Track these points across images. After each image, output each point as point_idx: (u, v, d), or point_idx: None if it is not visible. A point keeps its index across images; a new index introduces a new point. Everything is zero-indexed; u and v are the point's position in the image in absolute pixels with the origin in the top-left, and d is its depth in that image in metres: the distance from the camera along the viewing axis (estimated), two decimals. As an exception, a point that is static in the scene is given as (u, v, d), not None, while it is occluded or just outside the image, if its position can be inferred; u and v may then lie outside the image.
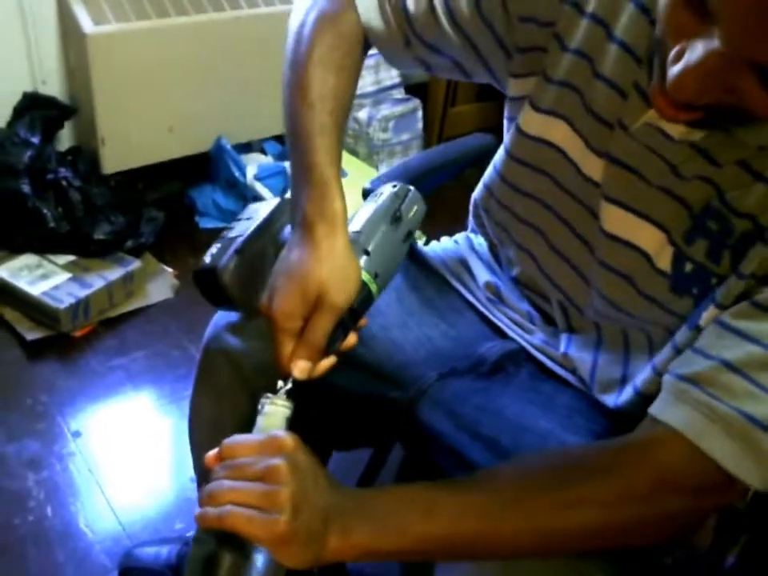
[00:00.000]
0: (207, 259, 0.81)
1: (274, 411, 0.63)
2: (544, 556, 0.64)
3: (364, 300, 0.72)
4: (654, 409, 0.64)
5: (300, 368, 0.67)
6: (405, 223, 0.78)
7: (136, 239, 1.85)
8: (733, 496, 0.64)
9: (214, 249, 0.82)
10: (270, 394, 0.64)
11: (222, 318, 0.91)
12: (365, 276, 0.72)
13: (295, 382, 0.67)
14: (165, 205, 1.98)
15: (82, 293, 1.66)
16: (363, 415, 0.85)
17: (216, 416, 0.93)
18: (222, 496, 0.56)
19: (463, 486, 0.63)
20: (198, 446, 1.00)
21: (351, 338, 0.72)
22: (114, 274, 1.74)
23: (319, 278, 0.67)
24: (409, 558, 0.63)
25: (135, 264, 1.79)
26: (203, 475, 0.91)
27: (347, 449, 0.97)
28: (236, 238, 0.84)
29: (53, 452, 1.43)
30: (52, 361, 1.62)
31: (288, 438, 0.58)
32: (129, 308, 1.76)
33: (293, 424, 0.64)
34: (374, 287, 0.73)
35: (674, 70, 0.54)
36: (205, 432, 0.97)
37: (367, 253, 0.73)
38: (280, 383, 0.66)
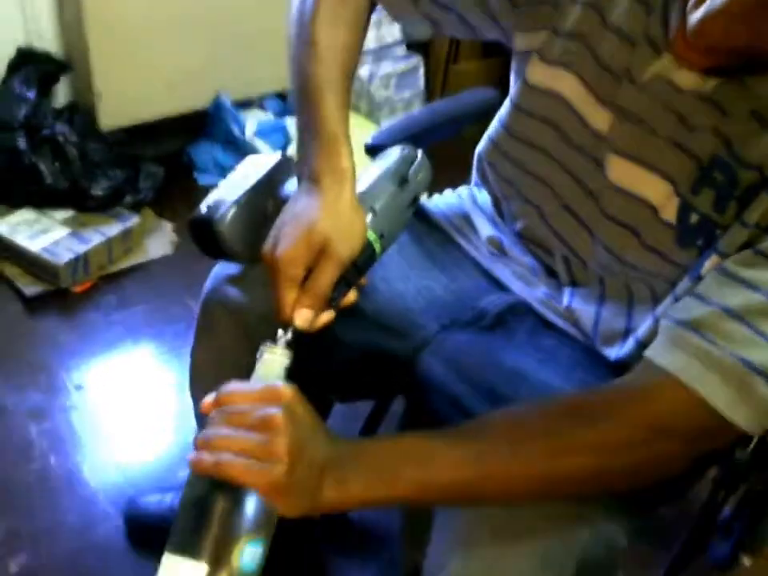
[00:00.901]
0: (204, 208, 0.80)
1: (273, 360, 0.63)
2: (540, 500, 0.65)
3: (368, 258, 0.72)
4: (651, 353, 0.64)
5: (302, 316, 0.67)
6: (411, 187, 0.78)
7: (135, 195, 1.83)
8: (726, 440, 0.65)
9: (211, 199, 0.81)
10: (269, 342, 0.64)
11: (222, 269, 0.90)
12: (370, 235, 0.72)
13: (296, 333, 0.67)
14: (164, 162, 1.96)
15: (81, 248, 1.66)
16: (364, 367, 0.85)
17: (216, 369, 0.93)
18: (219, 443, 0.56)
19: (458, 435, 0.63)
20: (199, 398, 0.99)
21: (352, 295, 0.72)
22: (113, 229, 1.73)
23: (325, 227, 0.67)
24: (406, 505, 0.64)
25: (134, 220, 1.78)
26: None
27: (348, 400, 0.98)
28: (235, 189, 0.83)
29: (55, 404, 1.44)
30: (52, 316, 1.62)
31: (286, 389, 0.58)
32: (128, 264, 1.76)
33: (292, 374, 0.64)
34: (378, 247, 0.72)
35: (696, 15, 0.53)
36: (205, 384, 0.97)
37: (374, 212, 0.73)
38: (280, 332, 0.66)
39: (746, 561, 1.23)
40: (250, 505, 0.56)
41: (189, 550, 0.54)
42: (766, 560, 1.21)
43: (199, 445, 0.57)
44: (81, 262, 1.65)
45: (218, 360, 0.92)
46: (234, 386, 0.60)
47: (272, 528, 0.58)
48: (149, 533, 1.19)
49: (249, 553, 0.56)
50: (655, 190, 0.71)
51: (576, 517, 0.66)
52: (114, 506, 1.28)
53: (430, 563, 0.69)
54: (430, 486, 0.60)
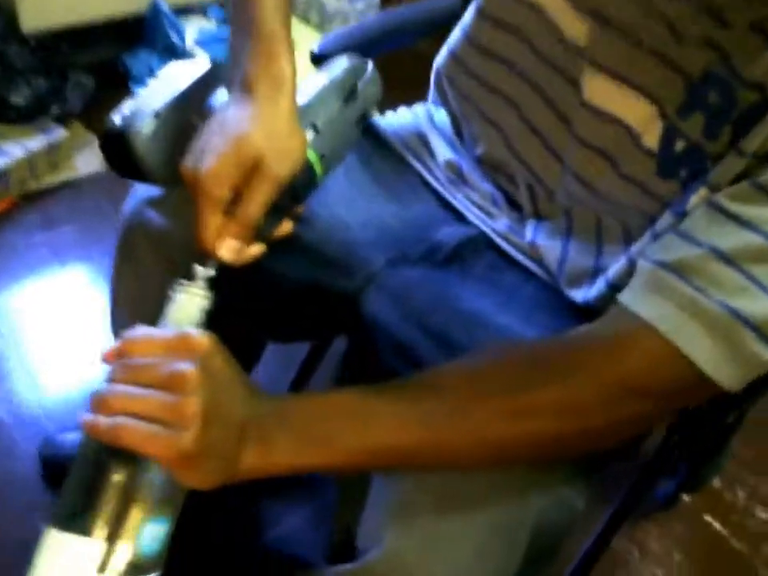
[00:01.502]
0: (117, 120, 0.68)
1: (189, 301, 0.54)
2: (492, 467, 0.58)
3: (306, 182, 0.62)
4: (625, 297, 0.56)
5: (227, 247, 0.58)
6: (359, 102, 0.69)
7: (61, 106, 1.67)
8: (701, 399, 0.58)
9: (127, 109, 0.69)
10: (185, 281, 0.54)
11: (143, 189, 0.79)
12: (310, 155, 0.62)
13: (219, 267, 0.57)
14: (97, 71, 1.80)
15: None
16: (301, 305, 0.76)
17: (139, 305, 0.83)
18: (116, 403, 0.47)
19: (403, 391, 0.55)
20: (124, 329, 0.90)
21: (286, 225, 0.63)
22: (36, 142, 1.57)
23: (258, 141, 0.58)
24: (339, 472, 0.56)
25: (60, 133, 1.63)
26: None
27: (284, 341, 0.89)
28: (155, 98, 0.71)
29: (-26, 337, 1.32)
30: (-33, 237, 1.49)
31: (202, 339, 0.49)
32: (54, 181, 1.61)
33: (212, 318, 0.54)
34: (319, 169, 0.63)
35: None
36: (127, 321, 0.87)
37: (315, 129, 0.63)
38: (198, 268, 0.56)
39: (686, 497, 1.27)
40: (153, 476, 0.48)
41: (80, 525, 0.46)
42: (702, 497, 1.27)
43: (94, 404, 0.48)
44: (-1, 178, 1.51)
45: (140, 295, 0.82)
46: (139, 333, 0.51)
47: (179, 503, 0.50)
48: (65, 473, 1.10)
49: (150, 531, 0.48)
50: (636, 112, 0.62)
51: (532, 483, 0.59)
52: (33, 444, 1.18)
53: (363, 533, 0.62)
54: (367, 452, 0.53)
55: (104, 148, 0.71)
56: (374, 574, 0.59)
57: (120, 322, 0.89)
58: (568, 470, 0.61)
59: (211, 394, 0.48)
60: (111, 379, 0.49)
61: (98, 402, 0.47)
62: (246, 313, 0.77)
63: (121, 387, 0.48)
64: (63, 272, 1.47)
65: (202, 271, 0.56)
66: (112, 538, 0.46)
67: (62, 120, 1.67)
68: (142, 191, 0.80)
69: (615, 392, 0.53)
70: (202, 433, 0.46)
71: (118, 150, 0.69)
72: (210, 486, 0.49)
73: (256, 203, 0.58)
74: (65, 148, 1.64)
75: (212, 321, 0.54)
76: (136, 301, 0.83)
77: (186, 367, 0.47)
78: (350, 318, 0.74)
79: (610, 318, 0.57)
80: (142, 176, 0.71)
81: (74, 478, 0.49)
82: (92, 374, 1.31)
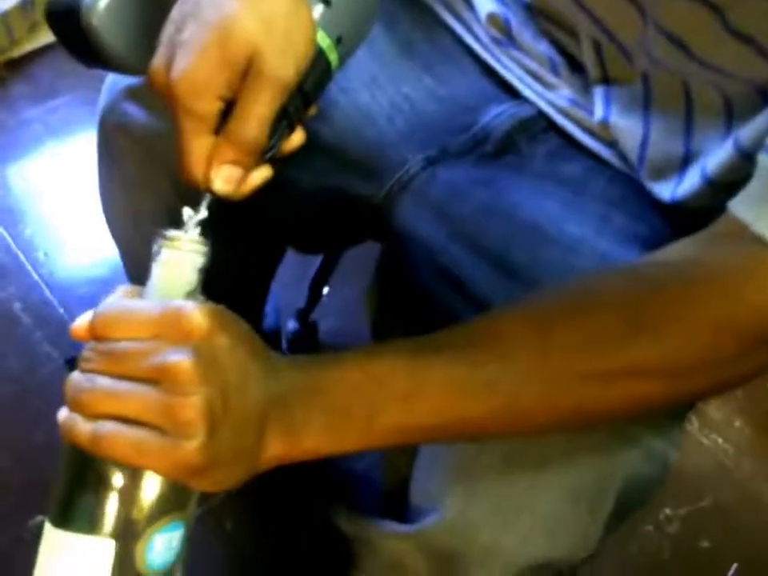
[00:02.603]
0: (67, -9, 0.52)
1: (178, 261, 0.41)
2: (575, 430, 0.47)
3: (319, 77, 0.47)
4: (742, 210, 0.42)
5: (224, 177, 0.45)
6: None
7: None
8: None
9: (74, -28, 0.53)
10: (170, 231, 0.42)
11: (119, 78, 0.64)
12: (322, 39, 0.46)
13: (214, 204, 0.44)
14: None
15: (-29, 27, 1.34)
16: (322, 217, 0.63)
17: (134, 210, 0.71)
18: (95, 403, 0.37)
19: (458, 347, 0.43)
20: (123, 241, 0.78)
21: (297, 136, 0.48)
22: (8, 1, 1.38)
23: (250, 27, 0.42)
24: (380, 449, 0.46)
25: (34, -14, 1.43)
26: (136, 277, 0.72)
27: (308, 253, 0.76)
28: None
29: (-32, 228, 1.22)
30: (-50, 117, 1.35)
31: (198, 315, 0.37)
32: (35, 45, 1.43)
33: (211, 275, 0.42)
34: (333, 57, 0.47)
35: None
36: (125, 226, 0.75)
37: (326, 1, 0.47)
38: (187, 212, 0.43)
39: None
40: (155, 481, 0.38)
41: (80, 526, 0.38)
42: None
43: (70, 400, 0.38)
44: (-26, 46, 1.34)
45: (132, 211, 0.70)
46: (115, 307, 0.39)
47: (193, 504, 0.41)
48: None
49: (161, 542, 0.39)
50: None
51: (616, 438, 0.48)
52: (55, 346, 1.12)
53: (419, 490, 0.53)
54: (417, 429, 0.42)
55: (54, 25, 0.56)
56: (433, 542, 0.51)
57: (118, 227, 0.77)
58: (658, 419, 0.50)
59: (217, 388, 0.37)
60: (85, 369, 0.38)
61: (74, 400, 0.37)
62: (259, 225, 0.65)
63: (101, 382, 0.37)
64: (62, 151, 1.34)
65: (192, 215, 0.43)
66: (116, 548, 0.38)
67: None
68: (118, 80, 0.65)
69: (737, 343, 0.41)
70: (208, 440, 0.36)
71: (68, 28, 0.54)
72: (228, 487, 0.40)
73: (255, 117, 0.43)
74: (40, 2, 1.44)
75: (205, 290, 0.42)
76: (129, 217, 0.71)
77: (181, 358, 0.36)
78: (380, 230, 0.61)
79: (721, 238, 0.43)
80: (101, 62, 0.56)
81: (67, 473, 0.40)
82: (105, 261, 1.21)
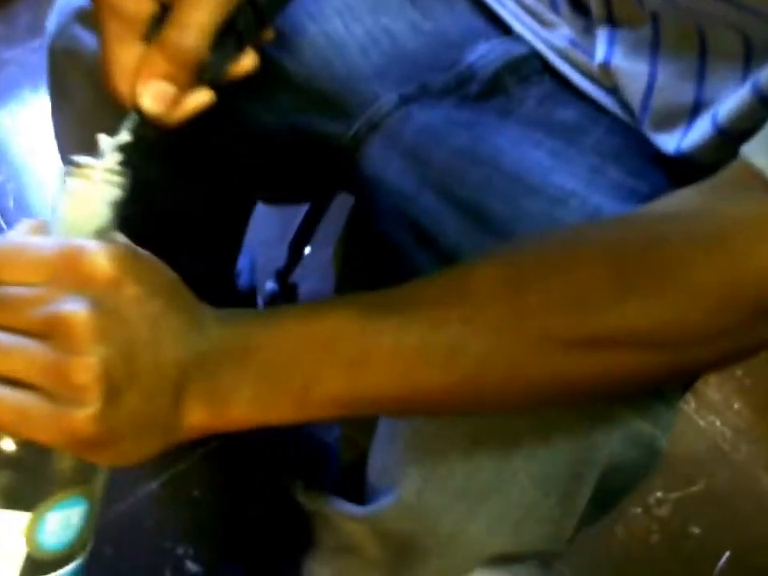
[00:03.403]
0: None
1: (85, 191, 0.35)
2: (547, 408, 0.41)
3: None
4: (757, 155, 0.36)
5: (154, 93, 0.39)
6: None
7: None
8: None
9: None
10: (78, 158, 0.36)
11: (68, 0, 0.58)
12: None
13: (140, 127, 0.38)
14: None
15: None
16: (287, 160, 0.57)
17: (86, 149, 0.64)
18: None
19: (418, 309, 0.36)
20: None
21: (248, 59, 0.42)
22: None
23: None
24: (320, 421, 0.40)
25: None
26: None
27: (272, 202, 0.70)
28: None
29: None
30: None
31: (102, 258, 0.32)
32: (14, -18, 1.36)
33: (128, 211, 0.36)
34: None
35: None
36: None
37: None
38: (103, 138, 0.37)
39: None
40: (48, 451, 0.33)
41: None
42: None
43: None
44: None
45: (83, 139, 0.64)
46: (7, 244, 0.33)
47: (101, 477, 0.36)
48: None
49: (55, 520, 0.34)
50: None
51: (600, 418, 0.43)
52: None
53: (374, 469, 0.48)
54: (362, 401, 0.36)
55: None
56: (388, 526, 0.46)
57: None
58: (646, 399, 0.45)
59: (118, 346, 0.31)
60: None
61: None
62: (217, 165, 0.59)
63: None
64: (36, 95, 1.27)
65: (107, 140, 0.37)
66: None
67: None
68: (66, 2, 0.58)
69: (742, 312, 0.35)
70: (104, 408, 0.31)
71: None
72: (138, 461, 0.34)
73: (194, 23, 0.37)
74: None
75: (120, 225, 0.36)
76: (83, 144, 0.65)
77: (76, 308, 0.30)
78: (349, 176, 0.54)
79: (731, 187, 0.37)
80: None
81: None
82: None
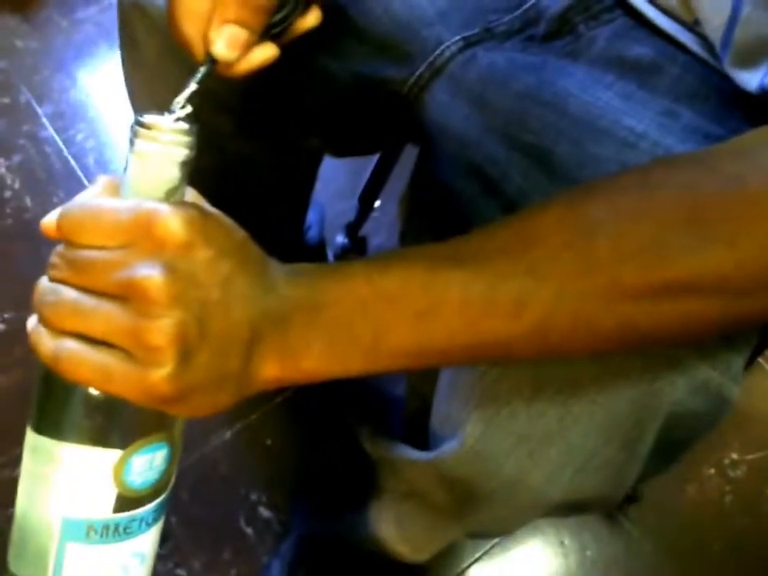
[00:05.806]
0: None
1: (156, 153, 0.35)
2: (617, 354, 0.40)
3: None
4: None
5: (227, 37, 0.39)
6: None
7: None
8: None
9: None
10: (146, 117, 0.35)
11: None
12: None
13: (210, 78, 0.38)
14: None
15: None
16: (351, 109, 0.56)
17: (155, 103, 0.65)
18: (60, 320, 0.33)
19: (480, 260, 0.36)
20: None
21: (313, 15, 0.42)
22: None
23: None
24: (390, 373, 0.40)
25: None
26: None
27: (340, 154, 0.69)
28: None
29: (22, 132, 1.20)
30: (4, 17, 1.31)
31: (175, 222, 0.32)
32: (90, -58, 1.39)
33: (198, 170, 0.36)
34: None
35: None
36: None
37: None
38: (173, 94, 0.37)
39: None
40: (126, 404, 0.34)
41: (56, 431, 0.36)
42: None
43: (37, 309, 0.34)
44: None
45: (151, 92, 0.65)
46: (82, 206, 0.34)
47: (179, 424, 0.38)
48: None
49: (140, 462, 0.37)
50: None
51: (665, 365, 0.41)
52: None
53: (438, 416, 0.48)
54: (430, 353, 0.36)
55: None
56: (452, 472, 0.47)
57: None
58: (714, 346, 0.43)
59: (192, 309, 0.32)
60: (51, 276, 0.34)
61: (39, 312, 0.33)
62: (284, 118, 0.59)
63: (66, 295, 0.33)
64: (114, 55, 1.30)
65: (181, 96, 0.37)
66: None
67: None
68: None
69: None
70: (178, 368, 0.32)
71: None
72: (214, 412, 0.35)
73: None
74: None
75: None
76: (151, 99, 0.66)
77: (150, 273, 0.31)
78: (413, 124, 0.54)
79: None
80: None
81: (39, 379, 0.37)
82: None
